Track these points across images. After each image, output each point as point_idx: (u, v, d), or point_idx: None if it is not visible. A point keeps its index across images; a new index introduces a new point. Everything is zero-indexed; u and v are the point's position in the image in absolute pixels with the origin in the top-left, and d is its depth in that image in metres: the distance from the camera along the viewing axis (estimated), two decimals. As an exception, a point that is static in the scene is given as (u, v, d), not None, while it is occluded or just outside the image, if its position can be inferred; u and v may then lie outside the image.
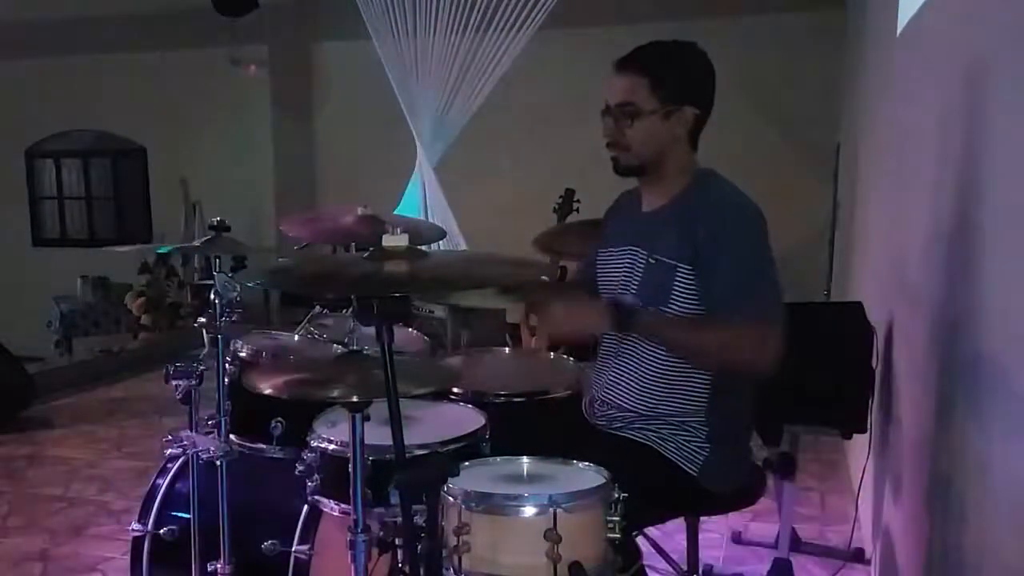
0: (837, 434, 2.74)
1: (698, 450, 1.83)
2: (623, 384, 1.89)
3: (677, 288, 1.81)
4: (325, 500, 1.75)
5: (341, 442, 1.71)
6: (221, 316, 1.96)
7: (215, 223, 2.27)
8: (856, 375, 2.56)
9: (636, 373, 1.87)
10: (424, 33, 5.34)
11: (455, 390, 2.02)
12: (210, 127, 7.73)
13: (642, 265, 1.90)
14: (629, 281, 1.92)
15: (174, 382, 2.02)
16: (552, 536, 1.38)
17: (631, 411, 1.87)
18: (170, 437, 2.08)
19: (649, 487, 1.66)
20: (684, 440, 1.83)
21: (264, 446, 2.10)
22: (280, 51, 7.60)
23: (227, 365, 2.07)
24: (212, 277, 2.00)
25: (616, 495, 1.46)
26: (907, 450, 2.27)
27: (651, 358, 1.85)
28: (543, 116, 6.53)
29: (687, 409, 1.84)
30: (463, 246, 5.73)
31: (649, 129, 1.83)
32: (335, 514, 1.76)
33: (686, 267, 1.79)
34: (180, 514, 2.24)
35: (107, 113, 8.12)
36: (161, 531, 2.24)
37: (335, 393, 1.58)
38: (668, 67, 1.84)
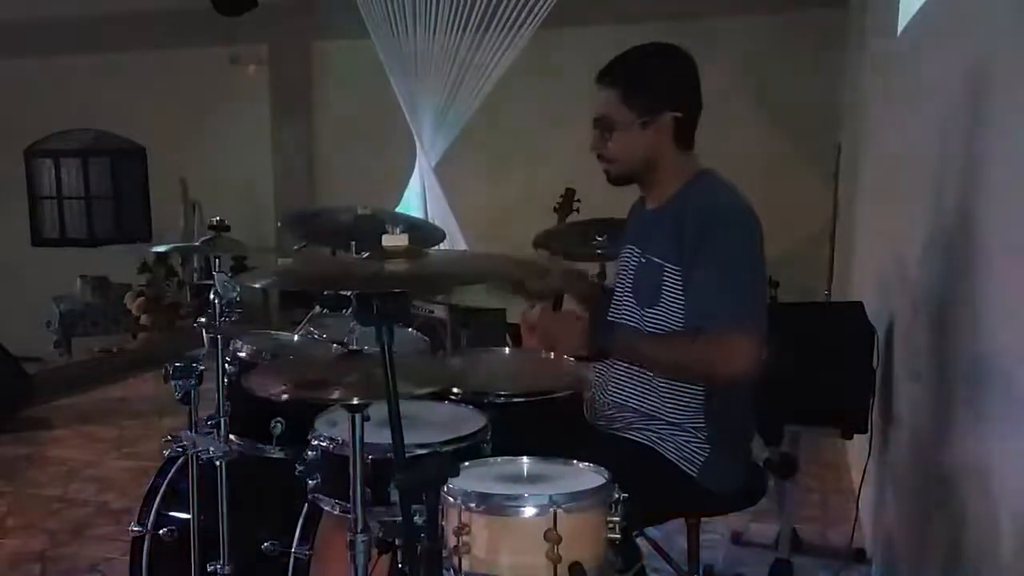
0: (838, 434, 2.74)
1: (698, 451, 1.83)
2: (623, 384, 1.89)
3: (666, 288, 1.81)
4: (325, 500, 1.75)
5: (341, 442, 1.71)
6: (221, 316, 1.95)
7: (214, 223, 2.26)
8: (857, 375, 2.55)
9: (636, 373, 1.87)
10: (424, 32, 5.33)
11: (455, 390, 2.02)
12: (209, 126, 7.72)
13: (635, 264, 1.92)
14: (625, 279, 1.94)
15: (173, 382, 2.01)
16: (552, 536, 1.37)
17: (631, 411, 1.87)
18: (169, 437, 2.08)
19: (649, 488, 1.66)
20: (684, 441, 1.83)
21: (264, 446, 2.09)
22: (280, 50, 7.59)
23: (227, 365, 2.07)
24: (211, 277, 1.99)
25: (617, 495, 1.46)
26: (907, 450, 2.27)
27: None
28: (543, 115, 6.53)
29: (686, 409, 1.84)
30: (463, 246, 5.72)
31: (629, 141, 1.84)
32: (335, 514, 1.76)
33: (673, 267, 1.80)
34: (180, 514, 2.23)
35: (106, 112, 8.11)
36: (160, 531, 2.24)
37: (335, 395, 1.58)
38: (640, 78, 1.84)
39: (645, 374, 1.86)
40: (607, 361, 1.93)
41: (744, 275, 1.76)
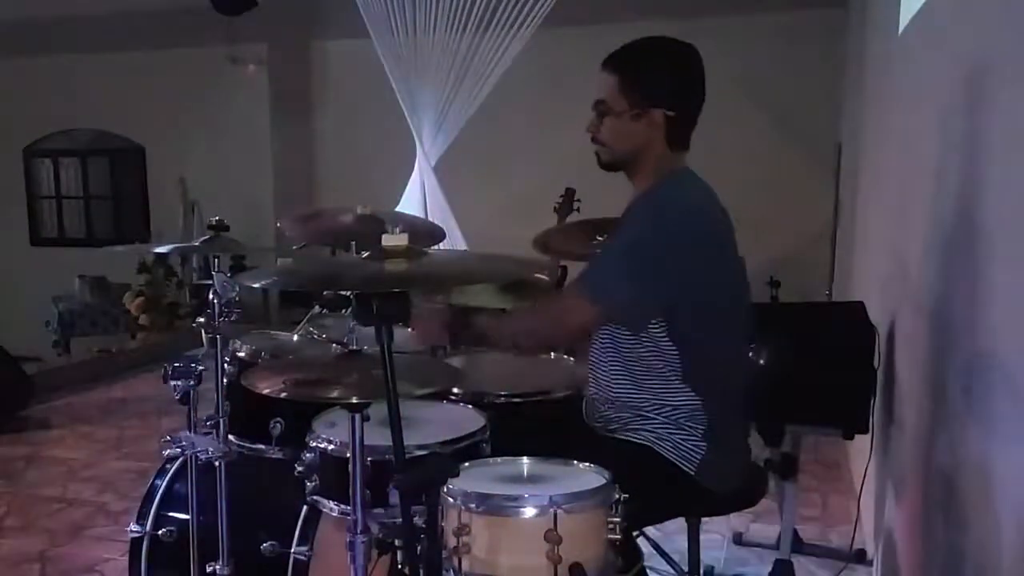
0: (839, 434, 2.73)
1: (695, 448, 1.83)
2: (611, 377, 1.89)
3: None
4: (324, 501, 1.75)
5: (340, 442, 1.71)
6: (220, 316, 1.95)
7: (213, 223, 2.26)
8: (858, 375, 2.55)
9: (618, 363, 1.87)
10: (424, 32, 5.33)
11: (455, 390, 2.01)
12: (209, 126, 7.71)
13: None
14: None
15: (172, 382, 2.00)
16: (552, 537, 1.37)
17: (627, 409, 1.86)
18: (168, 438, 2.07)
19: (648, 487, 1.66)
20: (681, 439, 1.83)
21: (263, 447, 2.09)
22: (279, 50, 7.59)
23: (226, 365, 2.06)
24: (211, 277, 1.99)
25: (617, 496, 1.46)
26: (909, 450, 2.26)
27: (613, 350, 1.86)
28: (543, 115, 6.52)
29: (677, 402, 1.83)
30: (463, 246, 5.72)
31: (619, 128, 1.85)
32: (334, 515, 1.75)
33: None
34: (179, 515, 2.23)
35: (105, 112, 8.10)
36: (159, 532, 2.23)
37: (335, 394, 1.57)
38: (640, 70, 1.85)
39: (631, 367, 1.85)
40: (599, 358, 1.93)
41: (629, 258, 1.77)
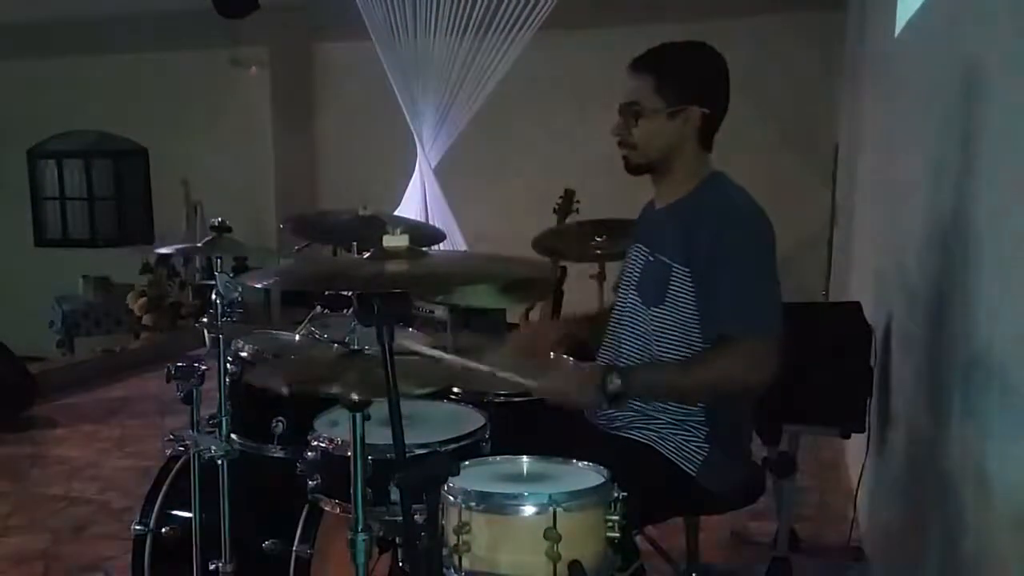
0: (836, 434, 2.75)
1: (697, 450, 1.84)
2: None
3: (672, 288, 1.82)
4: (326, 499, 1.76)
5: (342, 441, 1.72)
6: (222, 316, 1.97)
7: (216, 224, 2.27)
8: (854, 375, 2.56)
9: (636, 362, 1.88)
10: (425, 34, 5.35)
11: (455, 389, 2.03)
12: (211, 128, 7.74)
13: (643, 262, 1.92)
14: (631, 278, 1.94)
15: (175, 382, 2.02)
16: (552, 535, 1.38)
17: (631, 410, 1.88)
18: (171, 437, 2.09)
19: (649, 487, 1.67)
20: (684, 440, 1.84)
21: (265, 445, 2.10)
22: (281, 52, 7.61)
23: (228, 365, 2.08)
24: (213, 277, 2.01)
25: (616, 494, 1.47)
26: (905, 449, 2.28)
27: (647, 355, 1.87)
28: (543, 117, 6.54)
29: (685, 407, 1.84)
30: (463, 246, 5.74)
31: (654, 128, 1.84)
32: (336, 513, 1.77)
33: (682, 268, 1.80)
34: (181, 513, 2.24)
35: (108, 114, 8.13)
36: (163, 530, 2.24)
37: (335, 390, 1.59)
38: (674, 67, 1.85)
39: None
40: (611, 359, 1.94)
41: (762, 280, 1.77)
